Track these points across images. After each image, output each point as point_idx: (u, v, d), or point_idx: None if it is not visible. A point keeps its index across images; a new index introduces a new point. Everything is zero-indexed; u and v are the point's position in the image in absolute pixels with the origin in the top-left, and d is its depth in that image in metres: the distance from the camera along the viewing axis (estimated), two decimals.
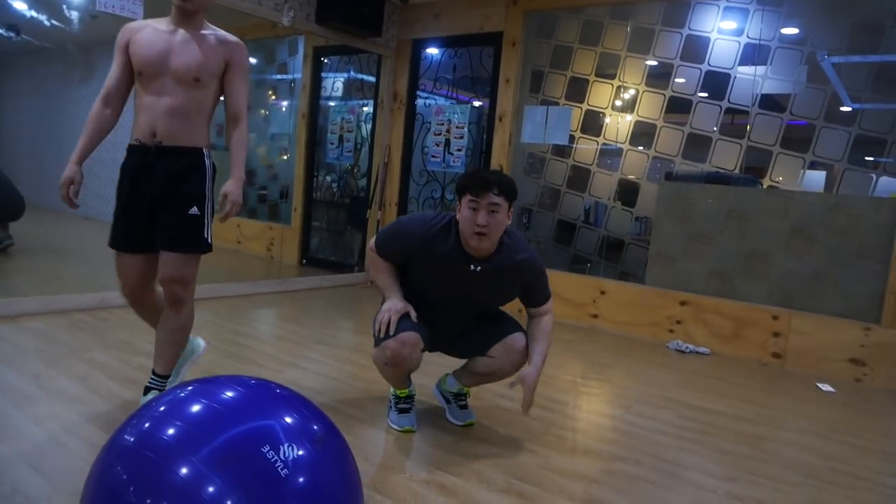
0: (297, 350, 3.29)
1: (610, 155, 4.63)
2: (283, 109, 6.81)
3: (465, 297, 2.24)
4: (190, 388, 1.19)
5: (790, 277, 3.81)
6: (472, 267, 2.14)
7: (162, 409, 1.13)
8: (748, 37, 4.03)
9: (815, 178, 4.04)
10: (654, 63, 4.39)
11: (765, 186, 4.02)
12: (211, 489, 0.99)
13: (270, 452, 1.05)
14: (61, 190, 2.11)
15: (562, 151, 4.81)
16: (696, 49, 4.21)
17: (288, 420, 1.13)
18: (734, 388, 3.25)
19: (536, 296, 2.26)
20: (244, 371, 2.84)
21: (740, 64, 4.06)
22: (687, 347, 3.95)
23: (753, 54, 4.02)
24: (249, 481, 1.01)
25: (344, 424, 2.31)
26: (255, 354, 3.14)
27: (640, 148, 4.44)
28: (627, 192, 4.54)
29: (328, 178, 6.32)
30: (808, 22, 3.87)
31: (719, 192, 4.06)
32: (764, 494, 2.02)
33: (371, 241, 2.28)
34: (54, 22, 6.47)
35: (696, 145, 4.19)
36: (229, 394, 1.16)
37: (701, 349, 3.93)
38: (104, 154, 8.61)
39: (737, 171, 4.06)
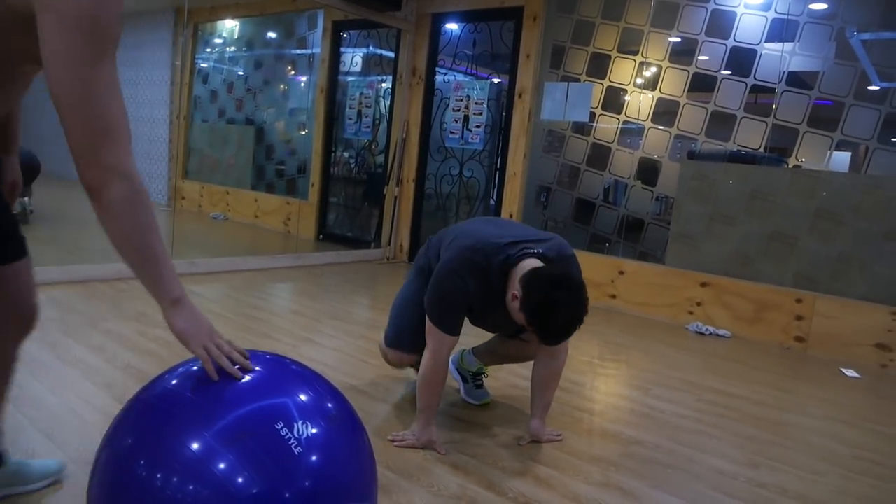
0: (312, 325, 3.29)
1: (631, 133, 4.53)
2: (302, 84, 6.76)
3: (505, 327, 2.13)
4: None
5: (815, 260, 3.72)
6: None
7: (175, 382, 1.12)
8: (776, 12, 3.90)
9: (842, 159, 3.92)
10: (678, 39, 4.27)
11: (790, 166, 3.91)
12: (223, 465, 0.98)
13: (284, 429, 1.03)
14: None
15: (582, 129, 4.72)
16: (721, 24, 4.08)
17: (302, 397, 1.11)
18: (756, 372, 3.19)
19: None
20: (259, 345, 2.84)
21: (767, 40, 3.93)
22: (707, 330, 3.89)
23: (781, 30, 3.89)
24: (262, 458, 0.99)
25: (358, 401, 2.30)
26: (271, 328, 3.14)
27: (662, 126, 4.33)
28: (648, 171, 4.45)
29: (346, 154, 6.28)
30: None
31: (743, 172, 3.96)
32: (787, 482, 1.98)
33: (435, 335, 1.93)
34: None
35: (720, 123, 4.08)
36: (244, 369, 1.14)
37: (721, 332, 3.87)
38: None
39: (761, 150, 3.96)
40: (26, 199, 5.00)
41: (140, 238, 1.04)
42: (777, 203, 3.84)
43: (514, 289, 1.80)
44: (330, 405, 1.14)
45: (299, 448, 1.02)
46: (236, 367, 1.11)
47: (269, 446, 1.01)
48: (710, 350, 3.55)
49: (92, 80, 0.99)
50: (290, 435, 1.02)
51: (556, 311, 1.70)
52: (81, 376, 2.28)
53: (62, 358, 2.42)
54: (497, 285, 1.88)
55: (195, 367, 1.15)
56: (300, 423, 1.05)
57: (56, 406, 2.00)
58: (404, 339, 2.17)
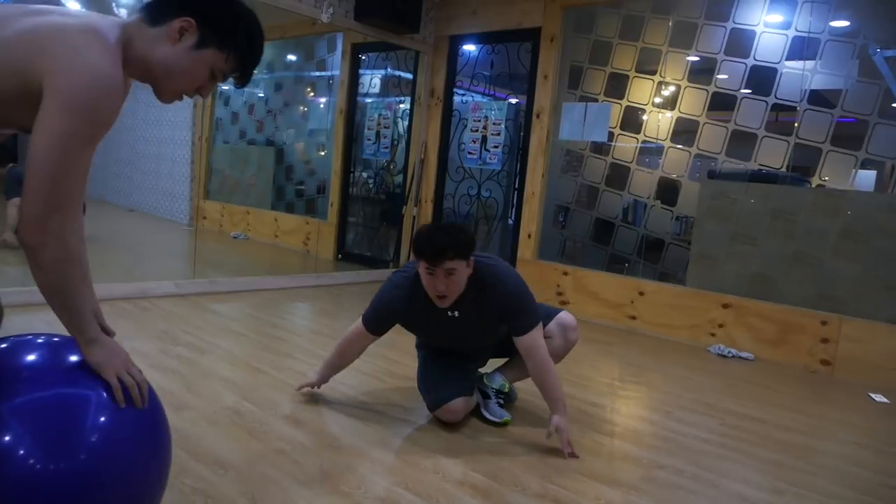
0: (331, 344, 3.27)
1: (650, 152, 4.52)
2: (322, 106, 6.85)
3: (464, 338, 2.33)
4: (22, 338, 1.26)
5: (840, 281, 3.66)
6: (448, 313, 2.18)
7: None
8: (796, 30, 3.88)
9: (867, 178, 3.86)
10: (697, 58, 4.26)
11: (813, 185, 3.87)
12: (7, 438, 1.05)
13: (75, 412, 1.12)
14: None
15: (600, 149, 4.71)
16: (740, 43, 4.07)
17: (102, 388, 1.18)
18: (780, 395, 3.13)
19: (517, 323, 2.15)
20: (279, 364, 2.85)
21: (788, 58, 3.91)
22: (729, 352, 3.82)
23: (802, 48, 3.87)
24: (46, 433, 1.08)
25: (376, 420, 2.29)
26: (290, 347, 3.15)
27: (682, 145, 4.32)
28: (668, 191, 4.43)
29: (364, 174, 6.34)
30: (859, 14, 3.70)
31: (764, 191, 3.92)
32: None
33: (358, 322, 2.33)
34: None
35: (741, 142, 4.06)
36: (52, 351, 1.23)
37: (744, 354, 3.80)
38: (149, 148, 8.82)
39: (783, 169, 3.92)
40: None
41: (66, 293, 1.16)
42: (800, 223, 3.79)
43: None
44: (129, 401, 1.22)
45: (84, 428, 1.12)
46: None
47: (56, 424, 1.10)
48: (733, 373, 3.49)
49: (69, 158, 1.11)
50: (78, 416, 1.12)
51: (432, 229, 2.09)
52: None
53: None
54: (421, 298, 2.16)
55: (12, 342, 1.23)
56: (93, 404, 1.15)
57: None
58: (443, 394, 2.27)
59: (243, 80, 1.32)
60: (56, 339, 1.28)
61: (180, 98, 1.31)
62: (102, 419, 1.15)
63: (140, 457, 1.20)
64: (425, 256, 2.04)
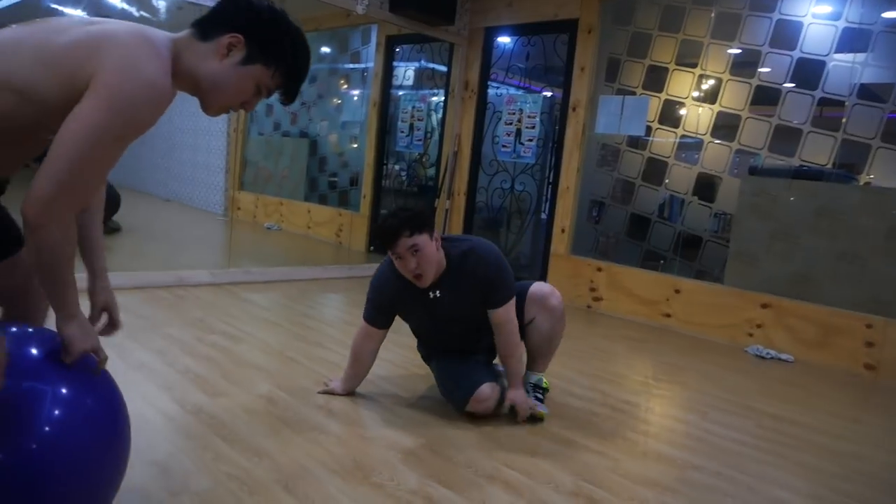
0: None
1: (689, 147, 4.42)
2: (355, 98, 6.88)
3: (451, 321, 2.31)
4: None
5: (887, 282, 3.53)
6: (430, 295, 2.23)
7: None
8: (847, 21, 3.74)
9: None
10: (739, 50, 4.15)
11: (861, 183, 3.74)
12: None
13: (32, 406, 1.13)
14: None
15: (637, 143, 4.63)
16: (787, 35, 3.95)
17: (61, 383, 1.18)
18: (821, 399, 3.04)
19: (494, 297, 2.22)
20: (311, 354, 2.87)
21: (836, 51, 3.77)
22: (768, 353, 3.73)
23: (852, 40, 3.73)
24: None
25: (408, 412, 2.29)
26: (322, 337, 3.17)
27: (722, 140, 4.21)
28: (707, 187, 4.33)
29: (397, 167, 6.34)
30: None
31: (809, 189, 3.80)
32: None
33: (362, 322, 2.36)
34: (143, 13, 6.75)
35: (785, 138, 3.94)
36: (26, 345, 1.22)
37: (783, 356, 3.70)
38: (186, 139, 8.95)
39: (829, 166, 3.79)
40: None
41: (55, 271, 1.18)
42: (845, 222, 3.66)
43: None
44: (87, 394, 1.22)
45: (37, 422, 1.13)
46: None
47: (12, 417, 1.10)
48: (772, 374, 3.40)
49: (94, 150, 1.12)
50: (35, 411, 1.13)
51: (384, 218, 2.17)
52: (145, 378, 2.34)
53: (126, 360, 2.51)
54: (402, 282, 2.20)
55: None
56: (48, 402, 1.15)
57: None
58: (467, 386, 2.27)
59: (289, 96, 1.34)
60: (30, 329, 1.28)
61: (226, 111, 1.33)
62: (57, 411, 1.16)
63: (96, 446, 1.21)
64: (385, 243, 2.11)
